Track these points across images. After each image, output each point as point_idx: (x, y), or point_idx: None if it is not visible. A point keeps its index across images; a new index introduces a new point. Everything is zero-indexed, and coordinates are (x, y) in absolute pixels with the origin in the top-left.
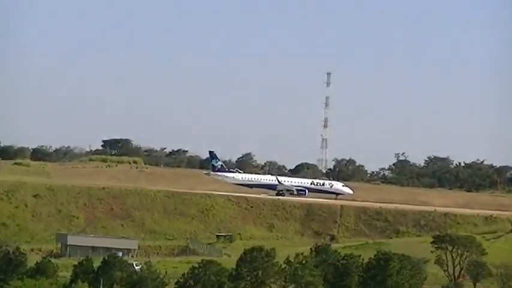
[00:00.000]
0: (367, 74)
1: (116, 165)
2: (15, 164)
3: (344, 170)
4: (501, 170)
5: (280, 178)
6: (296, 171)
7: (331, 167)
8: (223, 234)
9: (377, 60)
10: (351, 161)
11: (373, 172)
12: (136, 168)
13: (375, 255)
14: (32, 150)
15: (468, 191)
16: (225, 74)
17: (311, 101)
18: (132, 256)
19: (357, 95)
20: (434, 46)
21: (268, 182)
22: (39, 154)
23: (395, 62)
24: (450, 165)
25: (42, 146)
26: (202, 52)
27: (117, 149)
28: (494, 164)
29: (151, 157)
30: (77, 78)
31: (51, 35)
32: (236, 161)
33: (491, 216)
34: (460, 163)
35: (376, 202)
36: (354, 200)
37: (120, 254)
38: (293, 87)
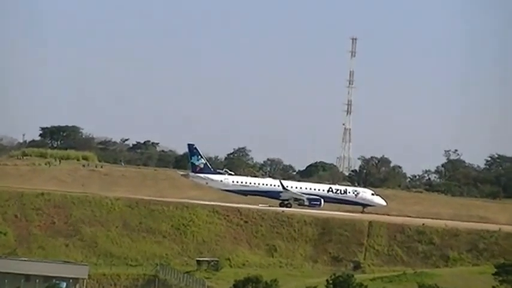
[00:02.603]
0: (407, 39)
1: (59, 163)
2: None
3: (374, 173)
4: None
5: (286, 183)
6: (308, 174)
7: (357, 168)
8: (206, 259)
9: (416, 21)
10: (384, 160)
11: (414, 176)
12: (88, 166)
13: None
14: None
15: None
16: (213, 42)
17: (329, 77)
18: None
19: (393, 68)
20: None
21: (269, 187)
22: None
23: (443, 24)
24: None
25: None
26: (177, 15)
27: (61, 139)
28: None
29: (109, 152)
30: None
31: None
32: (226, 159)
33: None
34: None
35: (418, 217)
36: (388, 215)
37: (64, 284)
38: (303, 58)
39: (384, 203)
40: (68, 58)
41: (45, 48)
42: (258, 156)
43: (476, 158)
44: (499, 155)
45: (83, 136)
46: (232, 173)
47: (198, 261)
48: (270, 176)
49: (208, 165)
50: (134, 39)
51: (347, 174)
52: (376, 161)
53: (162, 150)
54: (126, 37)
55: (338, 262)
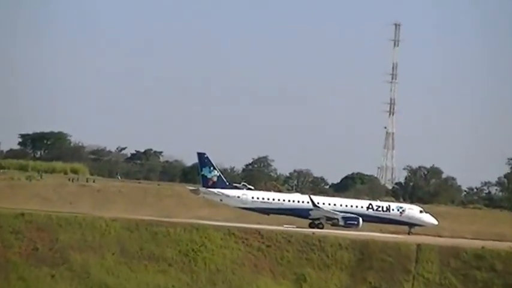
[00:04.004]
0: (462, 25)
1: (41, 177)
2: None
3: (423, 186)
4: None
5: (317, 198)
6: (343, 187)
7: (402, 180)
8: None
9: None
10: (435, 171)
11: (471, 189)
12: (77, 180)
13: None
14: None
15: None
16: (231, 32)
17: (367, 71)
18: None
19: (445, 60)
20: None
21: (295, 204)
22: None
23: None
24: None
25: None
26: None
27: (44, 149)
28: None
29: (102, 163)
30: None
31: None
32: (243, 170)
33: None
34: None
35: (476, 239)
36: (439, 236)
37: None
38: (337, 48)
39: (435, 222)
40: (55, 54)
41: (28, 44)
42: (282, 167)
43: None
44: None
45: (71, 145)
46: (252, 188)
47: None
48: (297, 191)
49: (223, 178)
50: (136, 34)
51: (390, 187)
52: (425, 172)
53: (167, 161)
54: (127, 32)
55: None
